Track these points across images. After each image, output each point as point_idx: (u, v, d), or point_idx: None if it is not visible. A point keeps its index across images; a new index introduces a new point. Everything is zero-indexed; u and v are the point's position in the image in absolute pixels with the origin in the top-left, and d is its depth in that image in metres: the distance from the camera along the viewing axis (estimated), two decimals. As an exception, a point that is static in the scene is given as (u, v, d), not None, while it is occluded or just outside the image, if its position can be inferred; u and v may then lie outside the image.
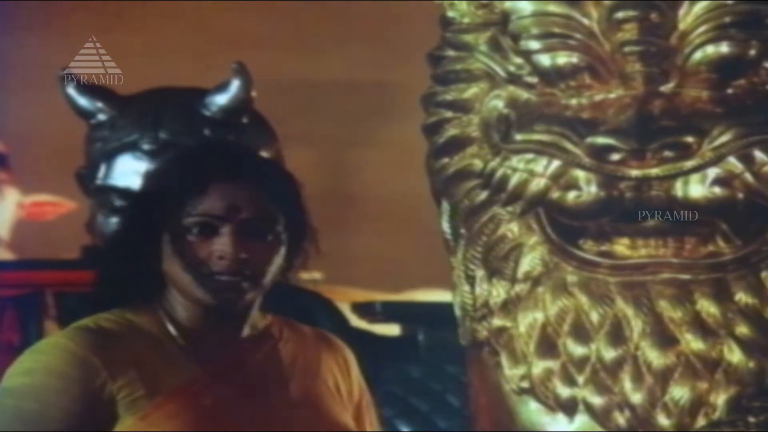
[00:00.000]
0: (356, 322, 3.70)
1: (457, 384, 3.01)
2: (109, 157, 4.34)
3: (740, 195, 2.59)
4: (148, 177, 3.01)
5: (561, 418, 2.70)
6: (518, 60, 2.72)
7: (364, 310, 3.80)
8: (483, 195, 2.79)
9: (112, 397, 2.53)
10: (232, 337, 2.71)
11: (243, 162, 2.75)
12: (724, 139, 2.58)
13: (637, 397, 2.63)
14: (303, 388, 2.70)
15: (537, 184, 2.67)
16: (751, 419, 2.55)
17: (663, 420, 2.60)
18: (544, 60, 2.68)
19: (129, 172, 4.25)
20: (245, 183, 2.63)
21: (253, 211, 2.60)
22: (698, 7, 2.56)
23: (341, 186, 5.15)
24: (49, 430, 2.53)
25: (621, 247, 2.70)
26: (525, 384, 2.72)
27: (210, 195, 2.59)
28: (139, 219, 2.70)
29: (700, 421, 2.59)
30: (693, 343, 2.61)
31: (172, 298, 2.67)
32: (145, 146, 4.28)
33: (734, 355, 2.59)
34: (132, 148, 4.32)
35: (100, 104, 4.34)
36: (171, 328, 2.65)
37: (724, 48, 2.58)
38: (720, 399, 2.58)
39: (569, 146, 2.63)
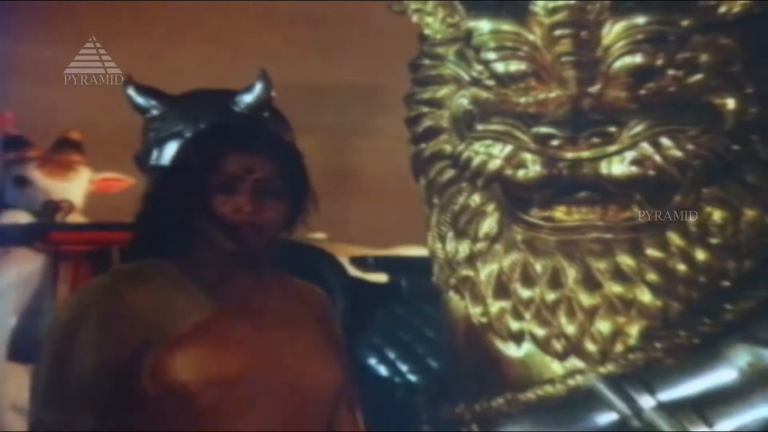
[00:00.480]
0: (353, 272, 3.72)
1: (432, 320, 3.01)
2: (160, 143, 4.39)
3: (651, 172, 2.63)
4: (181, 149, 2.95)
5: (511, 345, 2.74)
6: (479, 67, 2.76)
7: (359, 262, 3.82)
8: (452, 173, 2.84)
9: (144, 327, 2.49)
10: (245, 282, 2.63)
11: (254, 135, 2.76)
12: (638, 129, 2.63)
13: (570, 329, 2.67)
14: (299, 326, 2.64)
15: (494, 164, 2.72)
16: (657, 345, 2.59)
17: (590, 346, 2.65)
18: (499, 67, 2.73)
19: (175, 155, 4.33)
20: (256, 151, 2.59)
21: (264, 172, 2.55)
22: (617, 27, 2.61)
23: (342, 165, 5.11)
24: (91, 349, 2.50)
25: (559, 213, 2.74)
26: (484, 319, 2.78)
27: (229, 161, 2.55)
28: (173, 183, 2.65)
29: (618, 347, 2.63)
30: (614, 287, 2.67)
31: (198, 250, 2.61)
32: (188, 135, 4.33)
33: (645, 297, 2.64)
34: (177, 136, 4.35)
35: (153, 102, 4.40)
36: (195, 274, 2.59)
37: (637, 59, 2.63)
38: (634, 330, 2.63)
39: (519, 134, 2.69)
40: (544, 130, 2.66)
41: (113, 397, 2.50)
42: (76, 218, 6.44)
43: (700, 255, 2.67)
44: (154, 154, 4.35)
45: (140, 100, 4.44)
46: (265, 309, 2.63)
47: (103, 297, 2.58)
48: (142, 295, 2.54)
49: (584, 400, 2.59)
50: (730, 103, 2.66)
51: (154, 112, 4.44)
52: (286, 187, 2.60)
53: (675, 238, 2.68)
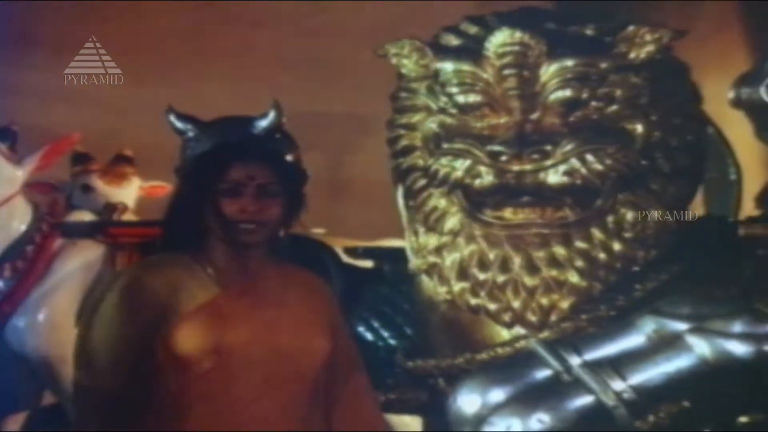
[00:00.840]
0: (347, 259, 3.73)
1: (409, 297, 3.00)
2: (194, 159, 4.43)
3: (578, 181, 2.66)
4: (195, 162, 2.97)
5: (469, 316, 2.78)
6: (444, 99, 2.78)
7: (351, 252, 3.81)
8: (423, 181, 2.85)
9: (161, 306, 2.51)
10: (247, 270, 2.62)
11: (254, 148, 2.75)
12: (568, 147, 2.65)
13: (516, 304, 2.69)
14: (293, 306, 2.62)
15: (456, 175, 2.73)
16: (583, 316, 2.63)
17: (531, 317, 2.68)
18: (460, 99, 2.74)
19: (206, 168, 4.37)
20: (257, 161, 2.58)
21: (264, 179, 2.54)
22: (552, 68, 2.63)
23: (338, 176, 5.07)
24: (120, 325, 2.53)
25: (507, 213, 2.75)
26: (449, 296, 2.80)
27: (234, 170, 2.55)
28: (189, 189, 2.68)
29: (553, 318, 2.66)
30: (550, 271, 2.69)
31: (210, 243, 2.61)
32: None
33: (574, 278, 2.67)
34: (209, 153, 4.42)
35: (189, 126, 4.43)
36: (204, 263, 2.60)
37: (567, 93, 2.65)
38: (565, 305, 2.66)
39: (476, 152, 2.70)
40: (495, 148, 2.68)
41: (137, 365, 2.51)
42: (129, 217, 6.48)
43: (617, 246, 2.69)
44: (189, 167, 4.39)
45: (179, 124, 4.49)
46: (263, 291, 2.61)
47: (125, 281, 2.60)
48: (158, 279, 2.56)
49: (526, 359, 2.61)
50: (639, 128, 2.69)
51: (190, 134, 4.49)
52: (283, 191, 2.58)
53: (597, 233, 2.70)
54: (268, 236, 2.62)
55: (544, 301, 2.69)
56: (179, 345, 2.50)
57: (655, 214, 2.72)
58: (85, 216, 5.87)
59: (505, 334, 2.73)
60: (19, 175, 5.01)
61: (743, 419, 2.44)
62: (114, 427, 2.53)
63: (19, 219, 5.02)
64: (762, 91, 2.25)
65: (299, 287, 2.69)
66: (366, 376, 2.71)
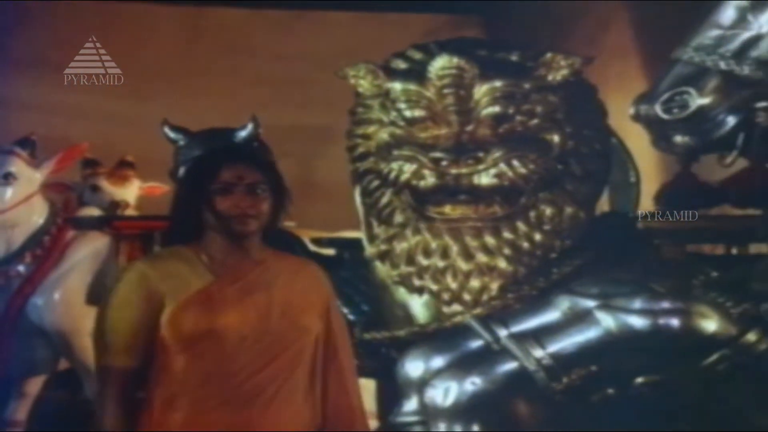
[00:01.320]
0: (313, 248, 3.71)
1: (365, 280, 2.96)
2: (185, 163, 4.39)
3: (506, 183, 2.64)
4: (190, 165, 2.83)
5: (416, 296, 2.75)
6: (394, 113, 2.75)
7: (317, 242, 3.79)
8: (377, 183, 2.82)
9: (160, 294, 2.47)
10: (239, 260, 2.54)
11: (242, 152, 2.71)
12: (498, 154, 2.63)
13: (454, 285, 2.68)
14: (284, 291, 2.53)
15: (404, 177, 2.71)
16: (510, 295, 2.61)
17: (466, 296, 2.66)
18: (408, 113, 2.72)
19: (195, 171, 4.35)
20: (244, 163, 2.53)
21: (252, 178, 2.49)
22: (483, 88, 2.62)
23: (307, 178, 5.05)
24: (130, 313, 2.52)
25: (447, 209, 2.73)
26: (397, 278, 2.78)
27: (225, 171, 2.49)
28: (186, 189, 2.60)
29: (485, 297, 2.64)
30: (482, 258, 2.67)
31: (207, 236, 2.54)
32: None
33: (502, 264, 2.65)
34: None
35: (180, 136, 4.40)
36: (202, 254, 2.54)
37: (496, 108, 2.64)
38: (495, 286, 2.65)
39: (420, 158, 2.68)
40: (437, 154, 2.66)
41: (146, 346, 2.49)
42: (130, 212, 6.50)
43: (538, 236, 2.68)
44: (181, 170, 4.37)
45: (172, 134, 4.46)
46: (255, 277, 2.54)
47: (131, 273, 2.58)
48: (158, 270, 2.53)
49: (462, 332, 2.60)
50: (556, 138, 2.69)
51: (181, 142, 4.46)
52: (270, 189, 2.52)
53: (521, 226, 2.69)
54: (260, 228, 2.55)
55: (477, 283, 2.67)
56: (177, 328, 2.46)
57: (569, 210, 2.71)
58: (94, 211, 5.88)
59: (444, 310, 2.71)
60: (38, 177, 5.03)
61: (640, 380, 2.45)
62: (129, 401, 2.51)
63: (37, 214, 5.04)
64: (657, 107, 2.24)
65: (292, 274, 2.61)
66: (351, 356, 2.63)
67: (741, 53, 2.24)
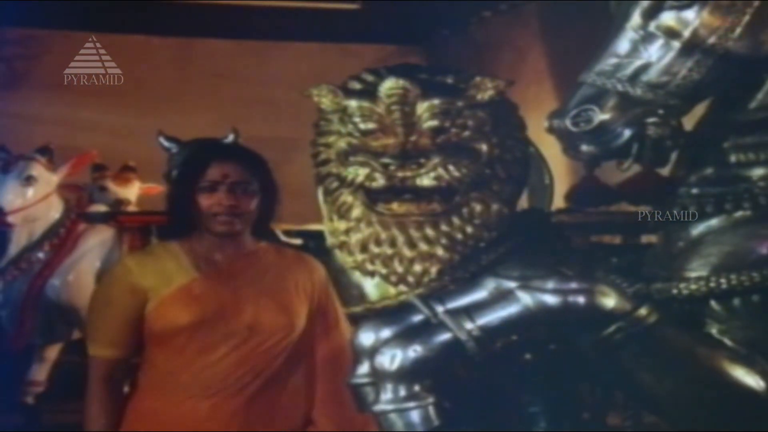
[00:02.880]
0: (284, 238, 3.69)
1: (327, 264, 2.88)
2: (177, 167, 4.36)
3: (443, 184, 2.60)
4: (180, 164, 2.76)
5: (368, 278, 2.71)
6: (351, 126, 2.70)
7: (287, 233, 3.79)
8: (336, 184, 2.77)
9: (145, 288, 2.28)
10: (227, 256, 2.37)
11: (229, 149, 2.54)
12: (436, 160, 2.60)
13: (400, 270, 2.64)
14: (271, 285, 2.39)
15: (359, 179, 2.67)
16: (446, 278, 2.59)
17: (410, 279, 2.62)
18: (362, 125, 2.67)
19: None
20: (232, 161, 2.36)
21: (237, 176, 2.32)
22: (424, 105, 2.59)
23: (279, 181, 5.10)
24: (114, 306, 2.32)
25: (395, 206, 2.68)
26: (353, 264, 2.73)
27: (211, 170, 2.32)
28: (178, 185, 2.44)
29: (425, 279, 2.61)
30: (423, 246, 2.64)
31: (198, 233, 2.38)
32: None
33: (440, 251, 2.62)
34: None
35: (173, 144, 4.37)
36: (189, 250, 2.36)
37: (435, 122, 2.61)
38: (434, 270, 2.61)
39: (372, 163, 2.64)
40: (386, 160, 2.62)
41: (130, 339, 2.33)
42: (132, 208, 6.53)
43: (469, 229, 2.65)
44: (173, 173, 4.37)
45: (166, 143, 4.46)
46: (238, 274, 2.36)
47: (116, 268, 2.45)
48: (144, 266, 2.34)
49: (407, 308, 2.56)
50: (484, 147, 2.66)
51: (174, 150, 4.46)
52: (254, 186, 2.37)
53: (456, 220, 2.65)
54: (245, 227, 2.38)
55: (419, 267, 2.64)
56: (158, 322, 2.29)
57: (495, 207, 2.68)
58: (101, 208, 6.03)
59: (392, 290, 2.68)
60: (55, 179, 5.15)
61: (552, 347, 2.46)
62: (116, 389, 2.35)
63: (54, 210, 5.15)
64: (567, 121, 2.25)
65: (283, 267, 2.46)
66: (341, 338, 2.52)
67: (634, 77, 2.25)
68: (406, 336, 2.36)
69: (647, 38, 2.25)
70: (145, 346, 2.35)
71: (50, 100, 7.55)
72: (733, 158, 2.33)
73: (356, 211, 2.76)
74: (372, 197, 2.70)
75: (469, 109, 2.65)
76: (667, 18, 2.24)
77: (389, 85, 2.61)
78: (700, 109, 2.43)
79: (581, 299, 2.16)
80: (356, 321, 2.70)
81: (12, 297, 4.88)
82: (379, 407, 2.25)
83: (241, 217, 2.34)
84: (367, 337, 2.38)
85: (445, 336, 2.29)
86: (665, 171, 2.56)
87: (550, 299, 2.19)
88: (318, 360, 2.49)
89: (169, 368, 2.29)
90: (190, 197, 2.34)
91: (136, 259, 2.45)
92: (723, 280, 2.20)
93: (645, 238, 3.85)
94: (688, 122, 2.39)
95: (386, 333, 2.43)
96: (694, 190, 2.38)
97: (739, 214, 2.27)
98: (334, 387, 2.45)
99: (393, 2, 6.94)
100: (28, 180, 4.82)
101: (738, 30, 2.19)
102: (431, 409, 2.23)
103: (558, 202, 4.47)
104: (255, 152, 2.50)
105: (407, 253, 2.65)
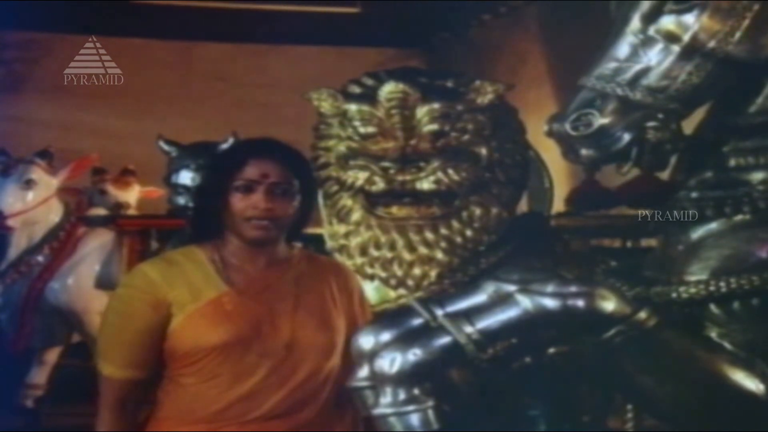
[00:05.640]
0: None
1: None
2: (176, 171, 4.37)
3: (443, 188, 2.61)
4: (215, 158, 2.48)
5: (367, 282, 2.69)
6: (350, 129, 2.70)
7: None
8: (336, 187, 2.77)
9: (168, 302, 2.00)
10: (258, 264, 2.11)
11: (271, 146, 2.16)
12: (436, 164, 2.61)
13: (399, 273, 2.65)
14: (307, 298, 2.13)
15: (359, 182, 2.67)
16: (446, 281, 2.60)
17: (410, 282, 2.63)
18: (362, 129, 2.67)
19: (184, 177, 4.28)
20: (272, 158, 2.08)
21: (277, 177, 2.05)
22: (424, 109, 2.60)
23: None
24: (132, 322, 2.02)
25: (394, 210, 2.69)
26: (352, 267, 2.69)
27: (250, 167, 2.05)
28: (209, 182, 2.16)
29: (425, 283, 2.62)
30: (423, 250, 2.64)
31: (225, 238, 2.11)
32: (192, 166, 4.30)
33: (439, 255, 2.63)
34: (186, 167, 4.34)
35: (172, 148, 4.38)
36: (216, 258, 2.08)
37: (435, 126, 2.61)
38: (433, 273, 2.62)
39: (372, 166, 2.64)
40: (385, 164, 2.62)
41: (154, 356, 2.05)
42: (131, 212, 6.54)
43: (469, 232, 2.65)
44: (173, 177, 4.42)
45: (166, 147, 4.47)
46: (272, 286, 2.11)
47: (137, 278, 2.09)
48: (167, 276, 2.05)
49: (406, 311, 2.54)
50: (484, 151, 2.66)
51: (173, 153, 4.47)
52: (295, 188, 2.12)
53: (455, 224, 2.66)
54: (279, 233, 2.13)
55: (419, 271, 2.64)
56: (184, 341, 2.01)
57: (494, 210, 2.68)
58: (101, 211, 6.02)
59: (391, 294, 2.68)
60: (55, 182, 5.15)
61: (551, 350, 2.44)
62: (131, 417, 2.07)
63: (54, 213, 5.17)
64: (566, 125, 2.24)
65: (316, 278, 2.21)
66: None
67: (634, 82, 2.25)
68: (406, 339, 2.35)
69: (647, 42, 2.26)
70: (169, 365, 2.07)
71: (50, 104, 7.57)
72: (732, 162, 2.33)
73: (356, 215, 2.75)
74: (372, 201, 2.70)
75: (469, 112, 2.66)
76: (667, 22, 2.24)
77: (389, 89, 2.62)
78: (699, 113, 2.42)
79: (581, 302, 2.16)
80: (356, 324, 2.72)
81: (12, 300, 4.90)
82: (379, 410, 2.24)
83: (278, 223, 2.09)
84: (367, 341, 2.37)
85: (444, 339, 2.28)
86: (665, 175, 2.56)
87: (550, 303, 2.18)
88: None
89: (200, 392, 2.02)
90: (220, 197, 2.08)
91: (158, 269, 2.09)
92: (722, 284, 2.19)
93: (645, 242, 3.84)
94: (688, 126, 2.39)
95: (386, 336, 2.41)
96: (694, 194, 2.38)
97: (738, 217, 2.27)
98: None
99: (392, 5, 6.93)
100: (28, 183, 4.84)
101: (738, 34, 2.19)
102: (431, 413, 2.22)
103: (558, 205, 4.46)
104: (297, 150, 2.22)
105: (407, 256, 2.66)
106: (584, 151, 2.30)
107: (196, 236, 2.16)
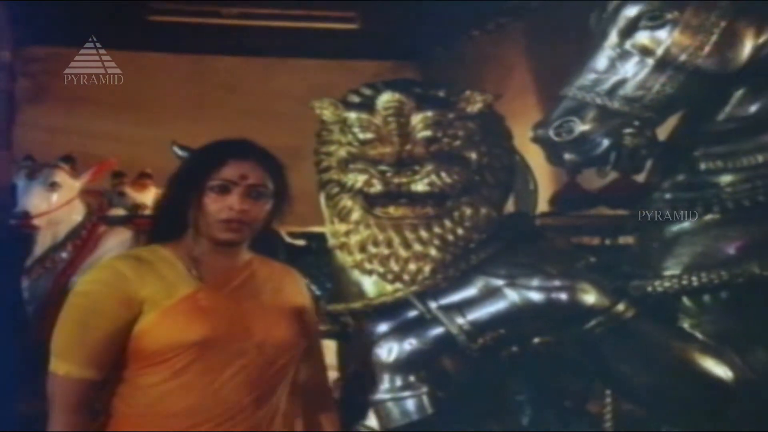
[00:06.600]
0: (288, 240, 3.67)
1: (328, 263, 2.89)
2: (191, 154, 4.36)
3: (436, 189, 2.59)
4: (191, 155, 2.24)
5: (366, 276, 2.68)
6: (350, 136, 2.69)
7: (291, 235, 3.77)
8: (337, 189, 2.75)
9: (140, 299, 1.83)
10: (225, 264, 1.99)
11: (251, 147, 2.06)
12: (429, 168, 2.59)
13: (395, 268, 2.62)
14: (272, 299, 2.05)
15: (358, 185, 2.65)
16: (439, 276, 2.56)
17: (406, 277, 2.60)
18: (361, 135, 2.66)
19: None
20: (252, 161, 1.98)
21: (255, 179, 1.95)
22: (418, 116, 2.58)
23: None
24: (99, 319, 1.83)
25: (391, 210, 2.67)
26: (352, 263, 2.71)
27: (228, 167, 1.93)
28: (179, 183, 2.00)
29: (420, 277, 2.59)
30: (417, 247, 2.62)
31: (191, 237, 1.95)
32: None
33: (433, 252, 2.60)
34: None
35: (186, 154, 4.34)
36: (185, 256, 1.93)
37: (428, 132, 2.59)
38: (428, 269, 2.59)
39: (370, 170, 2.62)
40: (383, 167, 2.61)
41: (110, 356, 1.85)
42: (148, 212, 6.53)
43: (460, 231, 2.63)
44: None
45: (180, 152, 4.41)
46: (240, 286, 2.00)
47: (106, 272, 1.90)
48: (140, 273, 1.87)
49: (403, 304, 2.57)
50: (474, 156, 2.65)
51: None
52: (270, 191, 2.03)
53: (448, 223, 2.64)
54: (248, 237, 2.02)
55: (414, 266, 2.62)
56: (157, 339, 1.84)
57: (484, 210, 2.67)
58: (120, 212, 6.00)
59: (388, 288, 2.65)
60: (77, 185, 5.15)
61: (537, 340, 2.45)
62: (87, 421, 1.87)
63: (77, 213, 5.16)
64: (550, 132, 2.26)
65: (278, 280, 2.15)
66: (322, 363, 2.27)
67: (612, 92, 2.27)
68: (402, 330, 2.35)
69: (623, 56, 2.28)
70: (129, 365, 1.87)
71: (73, 113, 7.56)
72: (703, 166, 2.35)
73: (355, 215, 2.74)
74: (370, 201, 2.69)
75: (460, 120, 2.64)
76: (642, 37, 2.26)
77: (386, 99, 2.61)
78: (672, 121, 2.44)
79: (564, 296, 2.16)
80: (356, 316, 2.70)
81: (38, 294, 4.89)
82: (377, 396, 2.25)
83: (250, 226, 1.98)
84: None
85: (438, 330, 2.29)
86: (641, 177, 2.57)
87: (535, 296, 2.18)
88: (300, 384, 2.14)
89: (161, 392, 1.84)
90: (193, 195, 1.94)
91: (128, 264, 1.90)
92: (694, 278, 2.20)
93: (622, 240, 3.84)
94: (662, 133, 2.40)
95: (383, 327, 2.42)
96: (668, 195, 2.40)
97: (708, 217, 2.28)
98: (316, 419, 2.19)
99: (389, 22, 6.96)
100: (53, 186, 4.85)
101: (707, 48, 2.21)
102: (425, 398, 2.23)
103: (542, 206, 4.47)
104: (273, 154, 2.12)
105: (403, 253, 2.64)
106: (566, 156, 2.31)
107: (159, 235, 2.00)
